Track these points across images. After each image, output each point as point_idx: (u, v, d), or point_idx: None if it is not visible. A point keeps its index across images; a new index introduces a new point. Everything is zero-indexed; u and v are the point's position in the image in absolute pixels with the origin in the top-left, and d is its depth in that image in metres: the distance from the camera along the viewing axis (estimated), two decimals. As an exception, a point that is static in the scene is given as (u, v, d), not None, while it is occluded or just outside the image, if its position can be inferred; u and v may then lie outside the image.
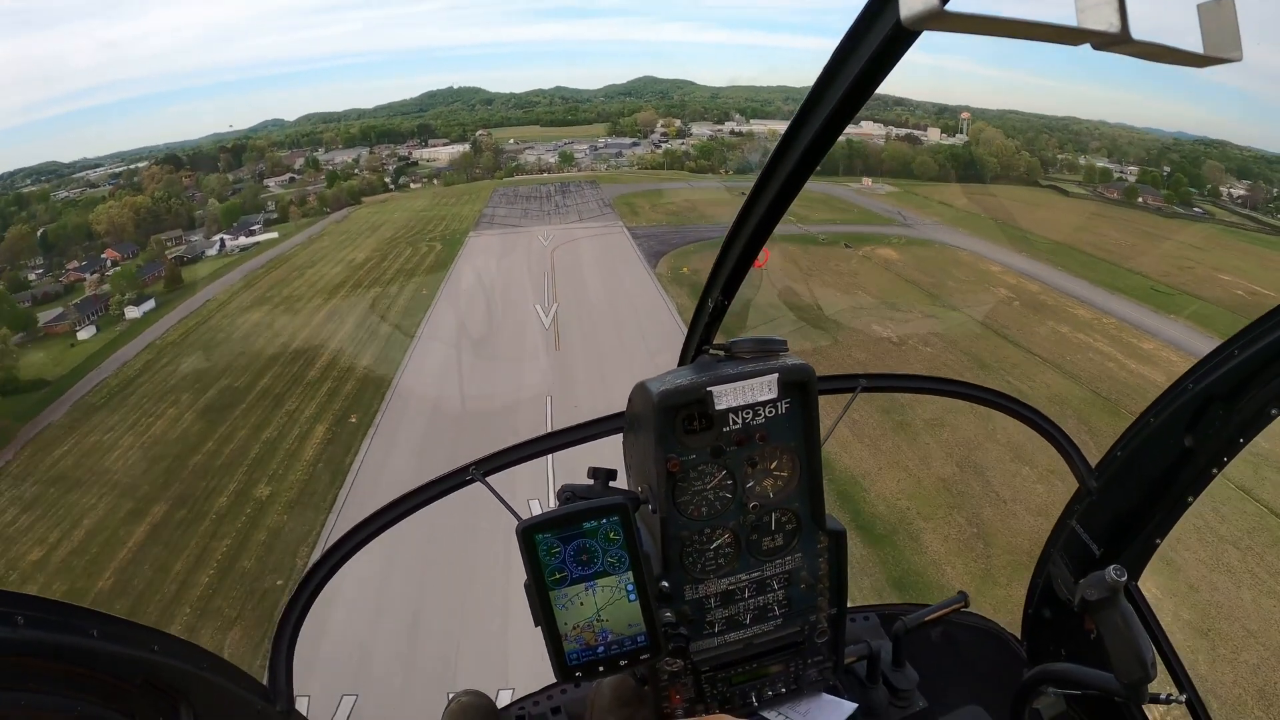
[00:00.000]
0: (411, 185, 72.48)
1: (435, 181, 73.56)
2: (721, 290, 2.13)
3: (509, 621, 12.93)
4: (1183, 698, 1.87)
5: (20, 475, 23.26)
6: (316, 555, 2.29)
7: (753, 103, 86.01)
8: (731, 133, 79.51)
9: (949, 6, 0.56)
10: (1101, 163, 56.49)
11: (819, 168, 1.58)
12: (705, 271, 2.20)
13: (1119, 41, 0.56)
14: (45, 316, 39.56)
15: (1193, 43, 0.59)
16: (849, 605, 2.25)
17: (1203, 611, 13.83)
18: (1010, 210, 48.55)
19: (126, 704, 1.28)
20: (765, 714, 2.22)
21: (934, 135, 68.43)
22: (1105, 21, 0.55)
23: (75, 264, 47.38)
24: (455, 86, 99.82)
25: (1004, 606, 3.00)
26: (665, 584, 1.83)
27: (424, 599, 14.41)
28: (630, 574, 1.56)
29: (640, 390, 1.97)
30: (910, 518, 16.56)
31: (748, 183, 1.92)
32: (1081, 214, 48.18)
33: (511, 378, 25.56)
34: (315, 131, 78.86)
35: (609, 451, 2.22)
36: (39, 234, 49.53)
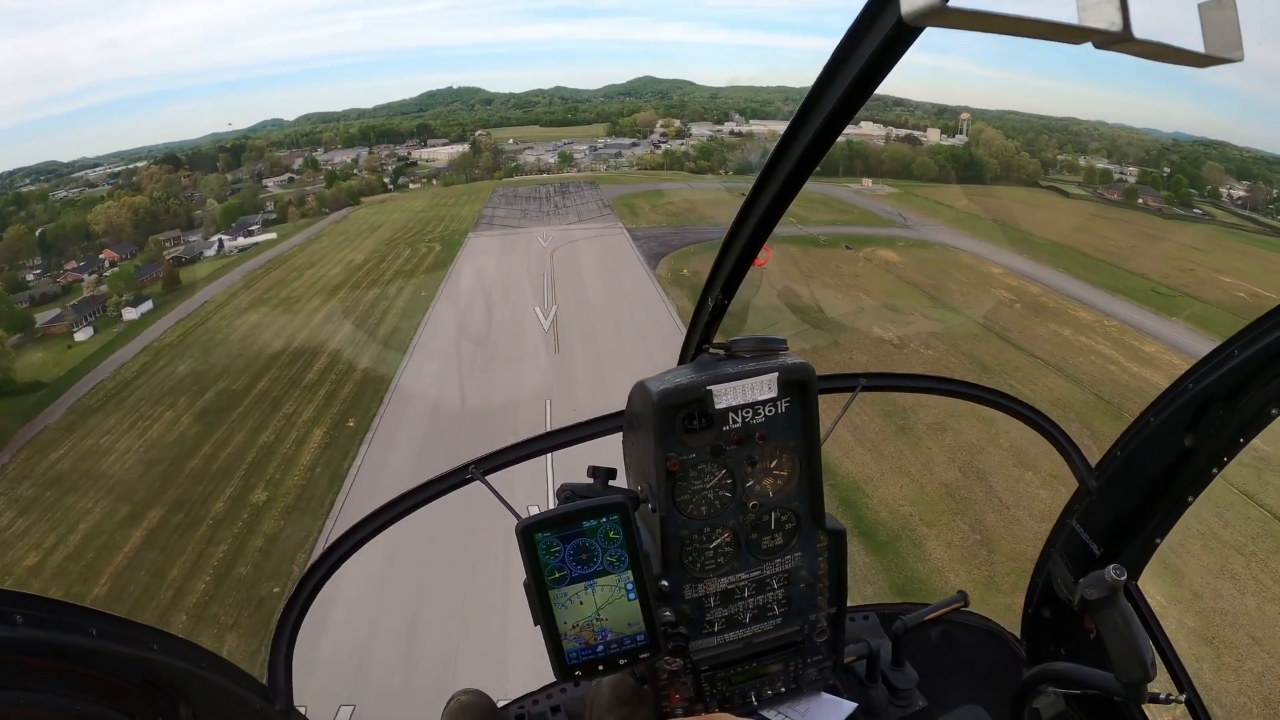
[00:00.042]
0: (411, 186, 72.27)
1: (434, 182, 73.36)
2: (721, 289, 2.13)
3: (508, 621, 12.86)
4: (1182, 698, 1.87)
5: (16, 478, 23.12)
6: (316, 555, 2.26)
7: (752, 103, 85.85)
8: (731, 133, 79.38)
9: (950, 3, 0.55)
10: (1101, 163, 56.40)
11: (819, 168, 1.58)
12: (705, 273, 2.19)
13: (1120, 40, 0.56)
14: (43, 317, 39.39)
15: (1194, 42, 0.59)
16: (848, 604, 2.25)
17: (1207, 619, 13.74)
18: (1011, 211, 48.51)
19: (125, 703, 1.28)
20: (765, 713, 2.22)
21: (934, 136, 68.29)
22: (1107, 20, 0.55)
23: (73, 264, 47.20)
24: (455, 86, 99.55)
25: (1007, 614, 2.98)
26: (665, 583, 1.84)
27: (423, 599, 14.36)
28: (630, 573, 1.56)
29: (640, 389, 1.97)
30: (913, 524, 16.46)
31: (747, 183, 1.86)
32: (1082, 215, 48.12)
33: (511, 379, 25.46)
34: (314, 131, 78.62)
35: (609, 451, 2.21)
36: (37, 234, 49.33)
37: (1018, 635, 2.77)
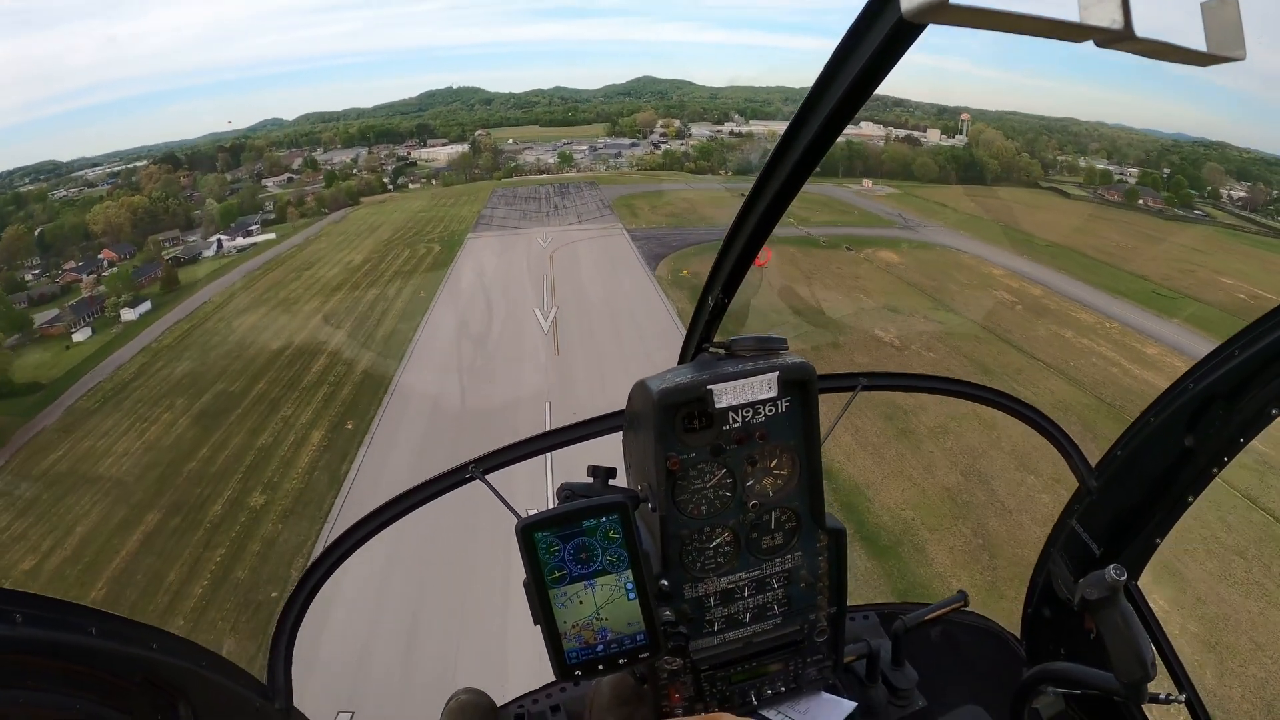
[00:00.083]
0: (410, 186, 72.13)
1: (434, 182, 73.22)
2: (722, 288, 2.14)
3: (508, 620, 12.82)
4: (1182, 698, 1.87)
5: (13, 481, 23.02)
6: (317, 554, 2.27)
7: (751, 103, 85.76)
8: (731, 133, 79.29)
9: (951, 0, 0.55)
10: (1101, 164, 56.37)
11: (819, 169, 1.59)
12: (704, 275, 2.19)
13: (1122, 38, 0.55)
14: (41, 318, 39.28)
15: (1196, 40, 0.59)
16: (848, 604, 2.26)
17: (1210, 624, 13.67)
18: (1012, 212, 48.44)
19: (125, 702, 1.29)
20: (765, 713, 2.23)
21: (933, 136, 68.23)
22: (1109, 18, 0.54)
23: (72, 264, 47.09)
24: (454, 86, 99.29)
25: (1010, 620, 2.96)
26: (665, 582, 1.83)
27: (423, 598, 14.32)
28: (630, 572, 1.56)
29: (640, 388, 1.97)
30: (915, 529, 16.37)
31: (748, 184, 1.88)
32: (1082, 216, 48.10)
33: (511, 381, 25.37)
34: (314, 131, 78.44)
35: (609, 450, 2.20)
36: (36, 234, 49.22)
37: (1017, 635, 2.77)
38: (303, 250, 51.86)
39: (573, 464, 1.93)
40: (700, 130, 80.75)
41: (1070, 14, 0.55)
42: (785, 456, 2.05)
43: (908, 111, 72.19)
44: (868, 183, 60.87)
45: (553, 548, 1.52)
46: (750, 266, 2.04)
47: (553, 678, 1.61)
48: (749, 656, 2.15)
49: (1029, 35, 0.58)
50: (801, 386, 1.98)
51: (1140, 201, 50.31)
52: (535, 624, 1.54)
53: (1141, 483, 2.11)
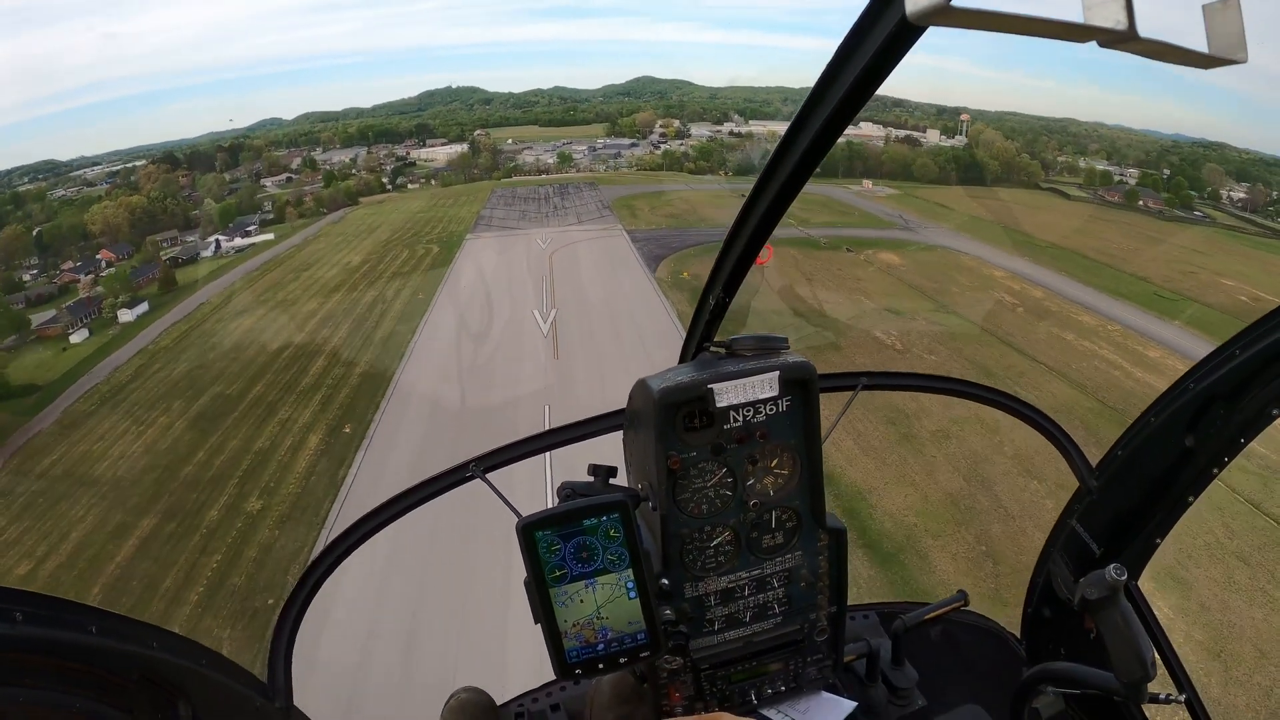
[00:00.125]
0: (409, 186, 72.01)
1: (433, 182, 73.11)
2: (723, 287, 2.13)
3: (508, 619, 12.75)
4: (1182, 697, 1.88)
5: (8, 484, 22.88)
6: (317, 552, 2.26)
7: (751, 103, 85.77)
8: (730, 133, 79.25)
9: (954, 2, 0.55)
10: (1101, 165, 56.35)
11: (819, 169, 1.59)
12: (705, 276, 2.18)
13: (1125, 39, 0.56)
14: (39, 318, 39.14)
15: (1198, 42, 0.59)
16: (849, 603, 2.26)
17: (1215, 632, 13.58)
18: (1012, 213, 48.36)
19: (125, 700, 1.29)
20: (765, 712, 2.23)
21: (933, 137, 68.19)
22: (1112, 19, 0.55)
23: (70, 264, 46.97)
24: (454, 86, 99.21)
25: (1010, 621, 2.97)
26: (665, 581, 1.85)
27: (423, 597, 14.27)
28: (630, 571, 1.56)
29: (641, 387, 1.97)
30: (918, 535, 16.25)
31: (748, 184, 1.85)
32: (1083, 217, 48.03)
33: (510, 384, 25.27)
34: (313, 131, 78.32)
35: (609, 449, 2.20)
36: (34, 234, 49.11)
37: (1017, 635, 2.78)
38: (301, 251, 51.71)
39: (573, 463, 1.94)
40: (700, 130, 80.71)
41: (1074, 15, 0.55)
42: (786, 456, 2.05)
43: (907, 112, 72.14)
44: (868, 183, 60.82)
45: (553, 546, 1.53)
46: (751, 266, 2.04)
47: (553, 676, 1.61)
48: (749, 656, 2.15)
49: (1032, 36, 0.58)
50: (802, 386, 1.99)
51: (1140, 202, 50.29)
52: (536, 622, 1.54)
53: (1142, 483, 2.11)
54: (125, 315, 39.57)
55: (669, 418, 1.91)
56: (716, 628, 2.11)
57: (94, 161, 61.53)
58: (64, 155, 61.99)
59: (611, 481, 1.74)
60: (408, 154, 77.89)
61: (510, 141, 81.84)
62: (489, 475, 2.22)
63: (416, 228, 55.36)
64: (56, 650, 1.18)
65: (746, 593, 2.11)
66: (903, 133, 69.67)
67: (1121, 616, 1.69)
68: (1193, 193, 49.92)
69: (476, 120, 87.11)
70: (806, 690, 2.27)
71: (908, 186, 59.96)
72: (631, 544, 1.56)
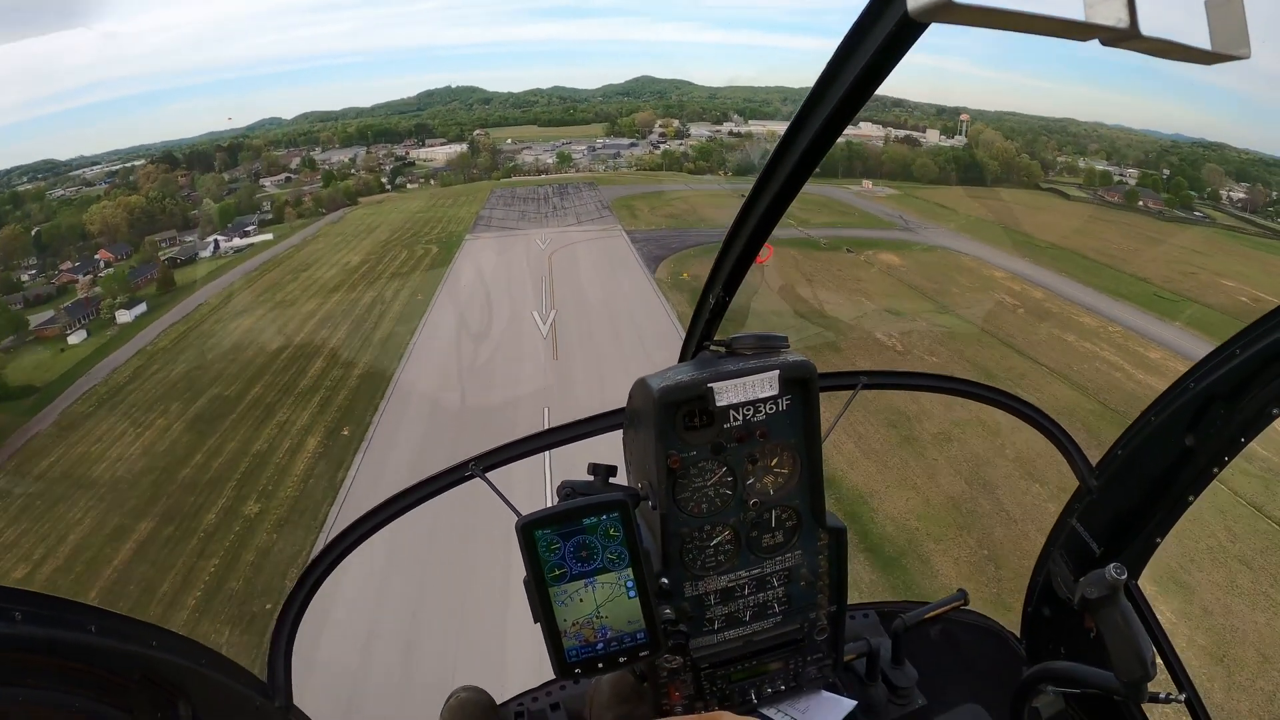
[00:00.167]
0: (408, 186, 71.86)
1: (432, 182, 72.95)
2: (723, 286, 2.13)
3: (508, 618, 12.72)
4: (1182, 697, 1.88)
5: (5, 487, 22.80)
6: (316, 552, 2.26)
7: (751, 103, 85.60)
8: (730, 133, 79.14)
9: None
10: (1101, 165, 56.31)
11: (819, 169, 1.59)
12: (704, 277, 2.19)
13: (1128, 37, 0.56)
14: (37, 319, 39.01)
15: (1200, 39, 0.59)
16: (849, 603, 2.26)
17: (1218, 637, 13.53)
18: (1012, 214, 48.33)
19: (125, 699, 1.29)
20: (765, 711, 2.23)
21: (933, 137, 68.10)
22: (1114, 16, 0.55)
23: (69, 265, 46.85)
24: (453, 86, 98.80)
25: (1011, 621, 2.97)
26: (665, 581, 1.85)
27: (422, 597, 14.23)
28: (630, 570, 1.56)
29: (641, 386, 1.97)
30: (920, 539, 16.20)
31: (747, 184, 1.83)
32: (1083, 218, 47.98)
33: (510, 385, 25.20)
34: (312, 130, 78.12)
35: (609, 449, 2.19)
36: (33, 234, 49.00)
37: (1017, 634, 2.78)
38: (300, 251, 51.61)
39: (573, 462, 1.94)
40: (699, 130, 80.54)
41: (1076, 13, 0.55)
42: (786, 455, 2.05)
43: (907, 112, 72.01)
44: (867, 184, 60.74)
45: (553, 545, 1.52)
46: (751, 265, 2.05)
47: (552, 675, 1.61)
48: (749, 655, 2.16)
49: (1035, 34, 0.58)
50: (802, 385, 1.99)
51: (1140, 203, 50.23)
52: (535, 622, 1.54)
53: (1142, 482, 2.11)
54: (123, 316, 39.45)
55: (669, 416, 1.91)
56: (716, 627, 2.11)
57: (93, 161, 61.38)
58: (63, 155, 61.74)
59: (611, 480, 1.74)
60: (407, 154, 77.71)
61: (509, 141, 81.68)
62: (488, 474, 2.22)
63: (415, 228, 55.26)
64: (57, 650, 1.18)
65: (746, 592, 2.11)
66: (902, 133, 69.54)
67: (1121, 616, 1.69)
68: (1192, 193, 49.86)
69: (476, 120, 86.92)
70: (806, 689, 2.28)
71: (907, 187, 59.88)
72: (631, 543, 1.56)
